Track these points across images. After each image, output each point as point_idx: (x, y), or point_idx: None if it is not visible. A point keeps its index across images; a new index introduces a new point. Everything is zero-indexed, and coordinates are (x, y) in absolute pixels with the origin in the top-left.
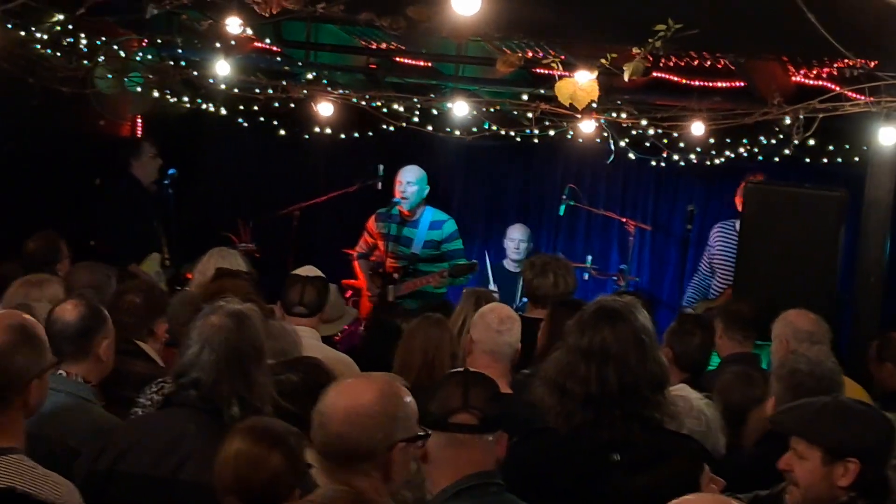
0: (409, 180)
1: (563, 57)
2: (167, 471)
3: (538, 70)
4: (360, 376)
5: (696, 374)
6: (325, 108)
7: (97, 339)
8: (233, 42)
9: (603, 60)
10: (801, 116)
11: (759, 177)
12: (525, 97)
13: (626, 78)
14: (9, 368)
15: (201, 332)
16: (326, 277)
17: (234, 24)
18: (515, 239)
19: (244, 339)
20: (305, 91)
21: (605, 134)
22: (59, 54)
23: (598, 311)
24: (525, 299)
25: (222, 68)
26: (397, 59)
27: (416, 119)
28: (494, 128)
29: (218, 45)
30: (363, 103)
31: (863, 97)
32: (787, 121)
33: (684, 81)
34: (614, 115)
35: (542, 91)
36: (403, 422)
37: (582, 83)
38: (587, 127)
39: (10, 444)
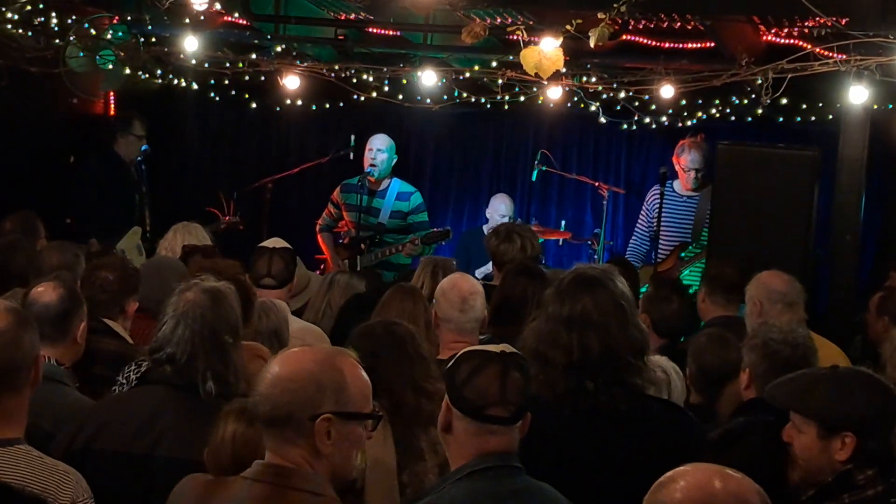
0: (379, 147)
1: (531, 22)
2: (143, 447)
3: (507, 36)
4: (310, 346)
5: (673, 339)
6: (291, 82)
7: (76, 322)
8: (202, 17)
9: (568, 27)
10: (770, 77)
11: (700, 136)
12: (494, 64)
13: (591, 44)
14: (21, 348)
15: (176, 307)
16: (293, 248)
17: (199, 1)
18: (505, 214)
19: (220, 316)
20: (274, 65)
21: (576, 98)
22: (29, 34)
23: (577, 278)
24: None
25: (191, 44)
26: (366, 29)
27: (385, 89)
28: (464, 95)
29: (187, 20)
30: (331, 75)
31: (833, 55)
32: (759, 81)
33: (654, 43)
34: (583, 79)
35: (511, 57)
36: (335, 394)
37: (547, 52)
38: (555, 93)
39: (16, 434)
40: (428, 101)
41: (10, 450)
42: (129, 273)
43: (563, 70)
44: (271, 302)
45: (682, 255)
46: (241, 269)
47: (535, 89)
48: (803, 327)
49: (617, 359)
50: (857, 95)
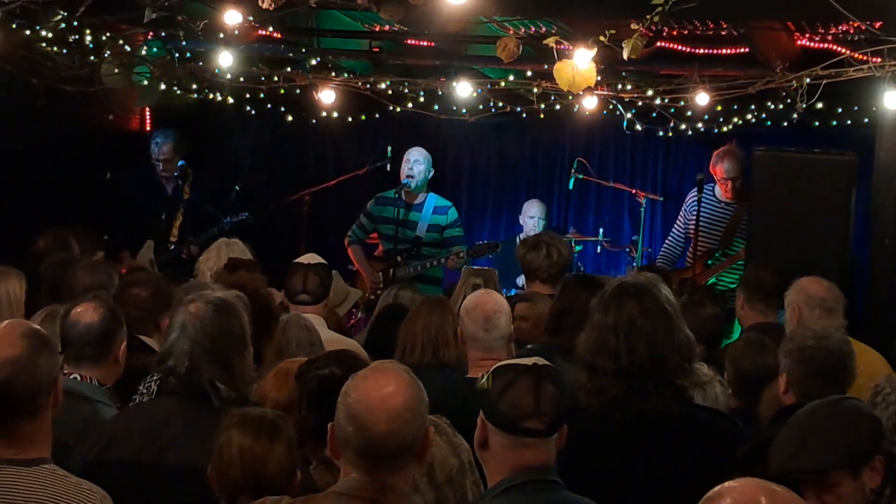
0: (417, 159)
1: (568, 30)
2: (152, 456)
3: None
4: (374, 371)
5: (710, 345)
6: (326, 96)
7: (117, 342)
8: (235, 32)
9: (602, 38)
10: (806, 83)
11: (732, 144)
12: (529, 73)
13: (625, 55)
14: (37, 375)
15: (178, 320)
16: (328, 264)
17: (232, 18)
18: (535, 216)
19: (223, 327)
20: (310, 77)
21: (612, 105)
22: (64, 51)
23: (621, 287)
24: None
25: (225, 59)
26: (401, 41)
27: (421, 100)
28: (500, 104)
29: (221, 35)
30: (366, 88)
31: (867, 58)
32: (794, 85)
33: (688, 50)
34: (619, 86)
35: (546, 66)
36: (427, 405)
37: (580, 67)
38: (590, 103)
39: (42, 454)
40: (464, 111)
41: (35, 469)
42: (162, 289)
43: (598, 78)
44: (308, 318)
45: (709, 262)
46: (265, 283)
47: (570, 97)
48: (840, 331)
49: (665, 362)
50: (893, 101)
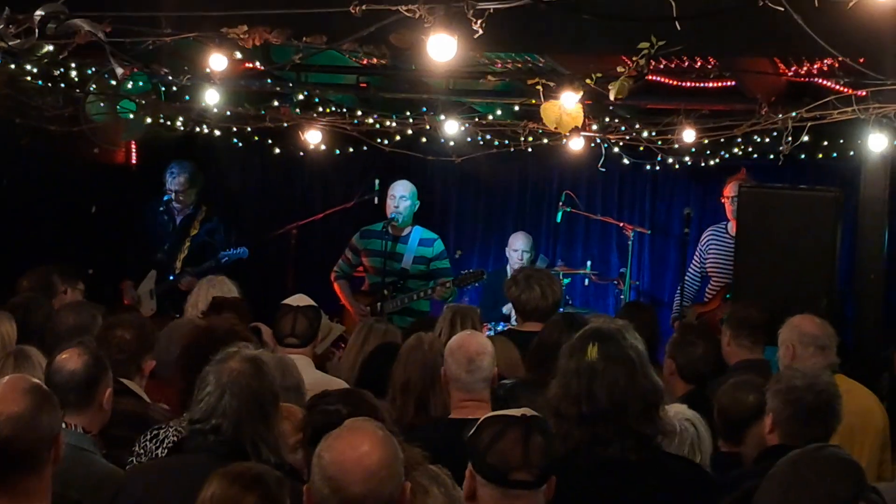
0: (402, 194)
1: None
2: None
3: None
4: (348, 430)
5: (700, 384)
6: (312, 136)
7: (101, 389)
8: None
9: (588, 80)
10: (791, 125)
11: (741, 174)
12: (517, 108)
13: (611, 97)
14: (38, 431)
15: (219, 377)
16: (316, 298)
17: (218, 62)
18: (519, 249)
19: (263, 385)
20: (297, 111)
21: (599, 139)
22: (49, 84)
23: (586, 333)
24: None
25: (212, 97)
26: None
27: (409, 131)
28: (488, 137)
29: (207, 70)
30: (353, 126)
31: (851, 93)
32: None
33: (675, 83)
34: (606, 120)
35: (534, 100)
36: (402, 461)
37: (567, 107)
38: (576, 144)
39: None
40: (451, 143)
41: None
42: (146, 331)
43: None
44: (291, 359)
45: (728, 296)
46: (235, 321)
47: (561, 137)
48: (827, 373)
49: (625, 409)
50: (877, 143)
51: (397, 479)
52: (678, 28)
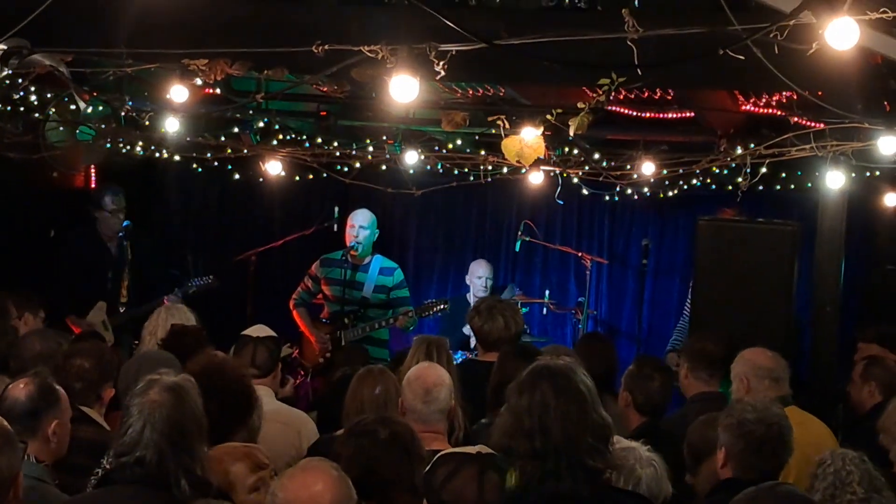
0: (362, 224)
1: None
2: None
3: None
4: (302, 470)
5: (654, 417)
6: (273, 168)
7: (46, 420)
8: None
9: (549, 116)
10: (749, 161)
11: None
12: (477, 137)
13: (571, 133)
14: None
15: (141, 408)
16: (277, 336)
17: (179, 94)
18: (483, 276)
19: (184, 414)
20: (257, 139)
21: (559, 170)
22: (9, 108)
23: (535, 370)
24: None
25: (172, 125)
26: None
27: (370, 157)
28: (448, 167)
29: (168, 96)
30: (311, 159)
31: (809, 123)
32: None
33: (634, 114)
34: (565, 150)
35: (493, 130)
36: (355, 501)
37: (528, 140)
38: (536, 178)
39: None
40: (411, 181)
41: None
42: (106, 359)
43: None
44: None
45: None
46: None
47: (521, 172)
48: (778, 405)
49: (577, 443)
50: (835, 181)
51: None
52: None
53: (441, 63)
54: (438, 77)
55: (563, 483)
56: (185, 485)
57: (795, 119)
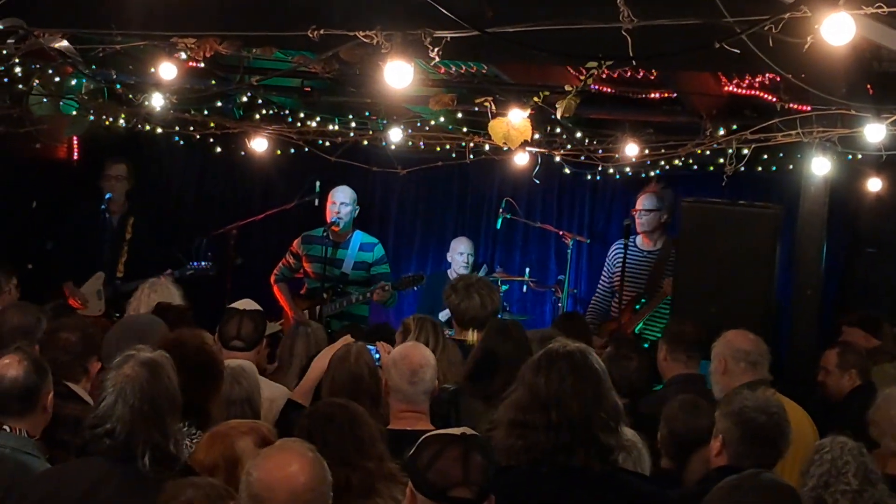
0: (343, 201)
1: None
2: None
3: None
4: (278, 450)
5: (634, 398)
6: (259, 144)
7: (44, 393)
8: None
9: (536, 99)
10: (735, 145)
11: (653, 188)
12: (459, 115)
13: (558, 115)
14: None
15: (115, 382)
16: (263, 310)
17: (168, 72)
18: (464, 253)
19: (158, 389)
20: (240, 112)
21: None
22: None
23: (551, 351)
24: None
25: (157, 101)
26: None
27: (351, 134)
28: (430, 143)
29: (152, 70)
30: (296, 137)
31: (795, 106)
32: (722, 131)
33: (618, 93)
34: (548, 130)
35: (476, 108)
36: (330, 484)
37: (515, 123)
38: (521, 159)
39: None
40: (395, 158)
41: None
42: (90, 333)
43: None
44: (241, 367)
45: (637, 307)
46: (206, 337)
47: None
48: (776, 397)
49: (592, 419)
50: (820, 167)
51: (323, 500)
52: (624, 42)
53: (436, 49)
54: (432, 63)
55: (576, 457)
56: (147, 459)
57: (778, 101)
